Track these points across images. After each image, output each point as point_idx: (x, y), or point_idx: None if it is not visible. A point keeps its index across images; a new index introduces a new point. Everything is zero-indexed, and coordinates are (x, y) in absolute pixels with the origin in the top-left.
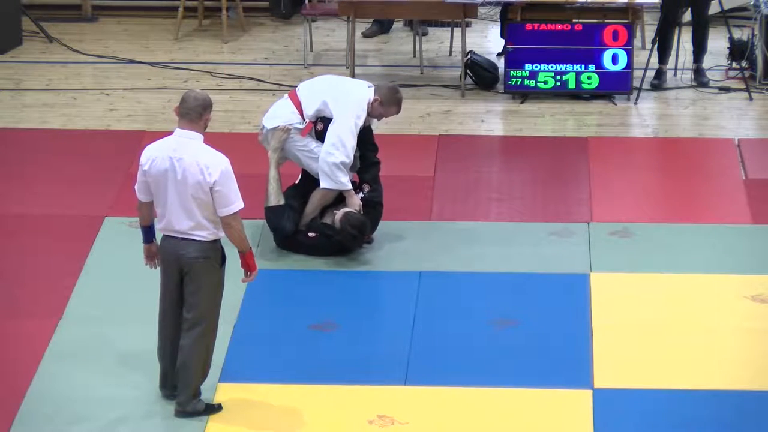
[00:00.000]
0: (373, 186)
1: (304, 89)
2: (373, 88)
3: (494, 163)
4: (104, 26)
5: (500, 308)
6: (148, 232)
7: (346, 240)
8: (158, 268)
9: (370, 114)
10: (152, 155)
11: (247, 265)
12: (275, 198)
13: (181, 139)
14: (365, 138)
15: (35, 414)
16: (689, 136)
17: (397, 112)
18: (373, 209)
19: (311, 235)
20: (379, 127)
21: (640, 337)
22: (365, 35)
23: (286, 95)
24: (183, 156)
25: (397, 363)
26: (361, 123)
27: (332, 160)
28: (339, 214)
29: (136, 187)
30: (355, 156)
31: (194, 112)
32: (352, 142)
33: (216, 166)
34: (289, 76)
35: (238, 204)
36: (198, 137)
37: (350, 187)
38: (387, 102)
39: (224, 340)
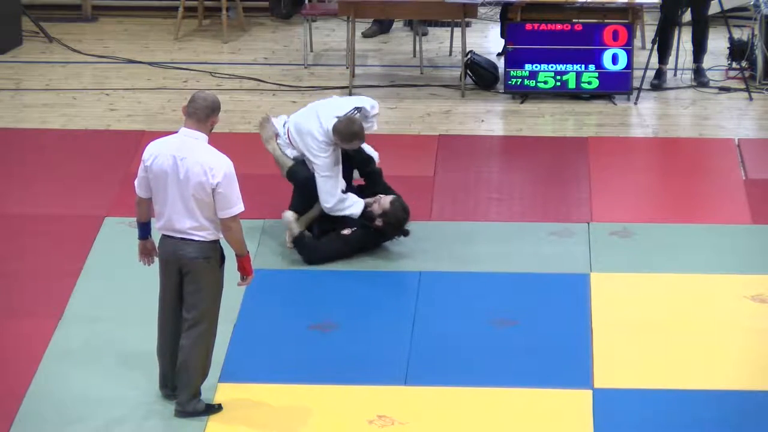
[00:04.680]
0: (389, 193)
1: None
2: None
3: (494, 163)
4: (104, 26)
5: (500, 308)
6: (145, 228)
7: (392, 224)
8: (154, 266)
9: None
10: (155, 152)
11: (244, 269)
12: (289, 160)
13: (186, 138)
14: (357, 157)
15: (35, 414)
16: (689, 136)
17: (361, 141)
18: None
19: (346, 232)
20: (378, 127)
21: (640, 337)
22: (365, 35)
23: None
24: (187, 155)
25: (397, 363)
26: (327, 159)
27: (328, 207)
28: (387, 198)
29: (136, 182)
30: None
31: (201, 113)
32: (330, 184)
33: (220, 167)
34: (289, 76)
35: (238, 207)
36: (203, 138)
37: (362, 204)
38: (343, 139)
39: (224, 340)
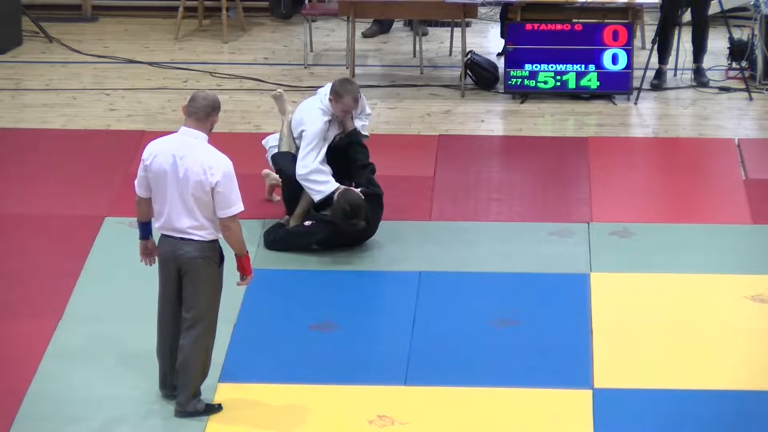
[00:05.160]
0: (368, 187)
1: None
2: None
3: (494, 163)
4: (104, 26)
5: (500, 308)
6: (145, 228)
7: (337, 215)
8: (154, 266)
9: (336, 114)
10: (155, 151)
11: (243, 268)
12: (287, 147)
13: (186, 137)
14: (352, 140)
15: (35, 414)
16: (689, 136)
17: (355, 100)
18: (372, 202)
19: (307, 223)
20: (378, 127)
21: (640, 337)
22: (365, 35)
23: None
24: (186, 154)
25: (397, 363)
26: (318, 126)
27: (304, 173)
28: (339, 189)
29: (136, 182)
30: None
31: (202, 112)
32: (310, 153)
33: (219, 167)
34: (289, 76)
35: (238, 207)
36: (203, 137)
37: (335, 187)
38: (338, 94)
39: (224, 340)
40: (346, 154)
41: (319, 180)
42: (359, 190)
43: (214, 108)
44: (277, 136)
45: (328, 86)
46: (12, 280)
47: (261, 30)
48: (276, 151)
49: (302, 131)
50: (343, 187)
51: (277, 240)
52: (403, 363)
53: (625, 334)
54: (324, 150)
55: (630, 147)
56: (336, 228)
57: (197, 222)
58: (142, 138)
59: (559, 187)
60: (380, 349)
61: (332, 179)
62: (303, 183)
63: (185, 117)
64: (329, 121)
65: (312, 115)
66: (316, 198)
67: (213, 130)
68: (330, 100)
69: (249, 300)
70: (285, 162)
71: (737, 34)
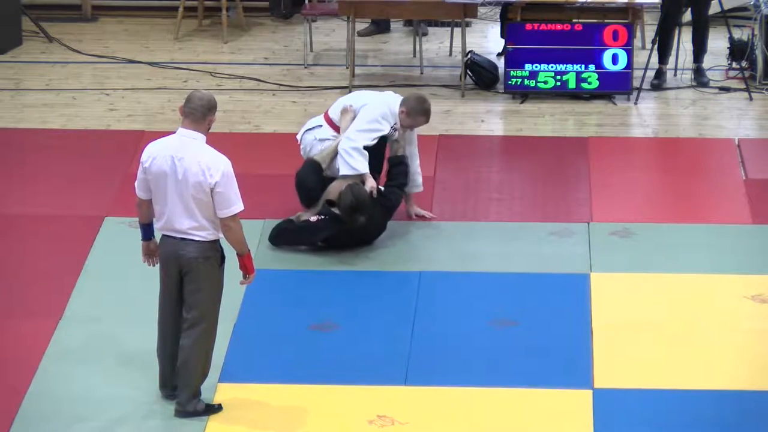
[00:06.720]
0: (392, 192)
1: (336, 104)
2: (401, 99)
3: (494, 163)
4: (104, 26)
5: (500, 308)
6: (147, 230)
7: (342, 205)
8: (157, 267)
9: (401, 125)
10: (154, 153)
11: (245, 267)
12: (322, 158)
13: (184, 138)
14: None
15: (35, 414)
16: (689, 136)
17: (426, 121)
18: (384, 206)
19: (314, 219)
20: None
21: (640, 337)
22: (360, 34)
23: (321, 117)
24: (184, 156)
25: (397, 363)
26: (385, 124)
27: (347, 146)
28: (344, 183)
29: (136, 184)
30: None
31: (198, 112)
32: (364, 133)
33: (217, 167)
34: (289, 76)
35: (238, 206)
36: (200, 138)
37: (367, 171)
38: (413, 112)
39: (224, 340)
40: (381, 153)
41: (356, 158)
42: (382, 187)
43: (210, 108)
44: (315, 120)
45: (393, 96)
46: (12, 280)
47: (261, 30)
48: (312, 135)
49: (365, 106)
50: (369, 177)
51: (282, 234)
52: (403, 363)
53: (625, 334)
54: (373, 141)
55: (630, 147)
56: (343, 227)
57: (197, 223)
58: (142, 138)
59: (559, 187)
60: (380, 349)
61: (367, 165)
62: (341, 152)
63: (182, 118)
64: (391, 128)
65: (378, 111)
66: (343, 172)
67: (212, 130)
68: (402, 112)
69: (249, 300)
70: (305, 168)
71: (737, 34)
